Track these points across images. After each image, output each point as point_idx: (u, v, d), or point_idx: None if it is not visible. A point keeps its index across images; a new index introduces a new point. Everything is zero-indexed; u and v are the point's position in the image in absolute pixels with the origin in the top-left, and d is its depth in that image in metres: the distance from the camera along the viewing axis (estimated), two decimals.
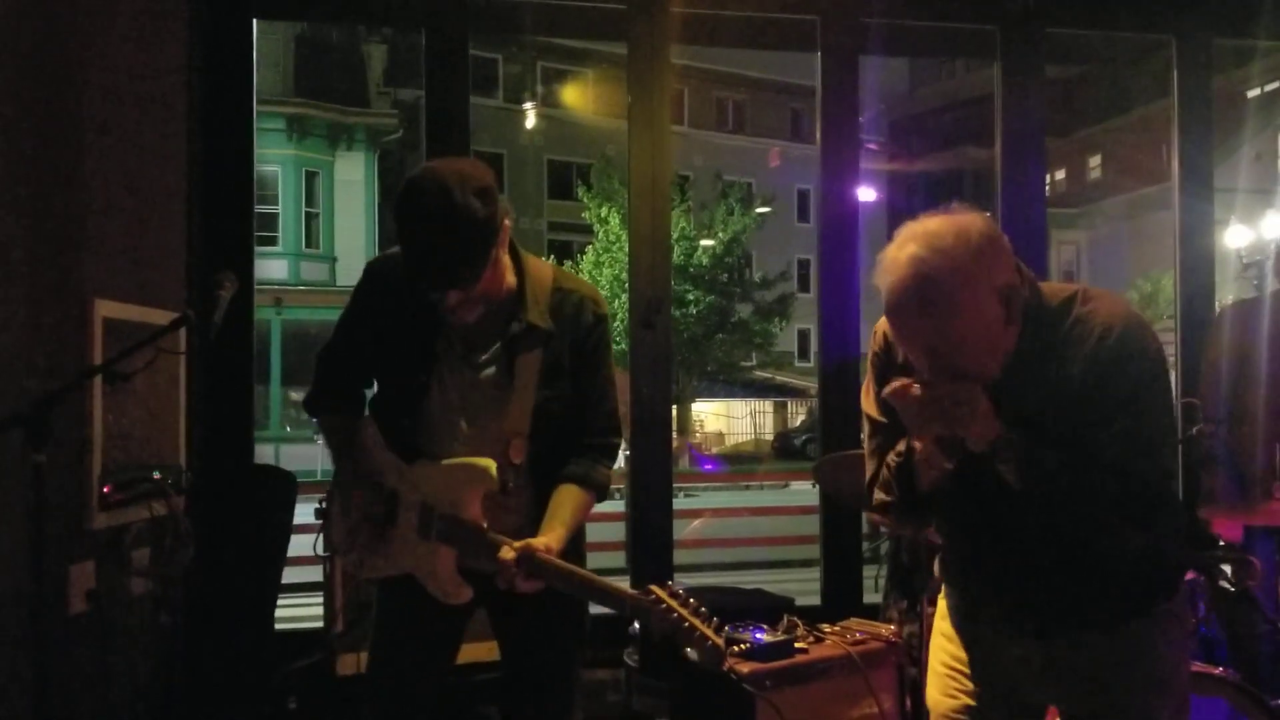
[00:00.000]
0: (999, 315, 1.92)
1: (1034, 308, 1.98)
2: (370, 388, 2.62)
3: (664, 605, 2.18)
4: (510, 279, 2.43)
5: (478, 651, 2.88)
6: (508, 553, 2.28)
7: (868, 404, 2.22)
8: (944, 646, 2.28)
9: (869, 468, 2.22)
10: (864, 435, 2.25)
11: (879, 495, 2.18)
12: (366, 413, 2.58)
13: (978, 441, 1.92)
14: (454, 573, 2.39)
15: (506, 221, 2.34)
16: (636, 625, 3.59)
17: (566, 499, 2.43)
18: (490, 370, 2.44)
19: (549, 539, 2.33)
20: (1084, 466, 1.91)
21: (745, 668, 3.02)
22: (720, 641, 2.15)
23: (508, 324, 2.41)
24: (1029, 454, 1.91)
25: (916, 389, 1.92)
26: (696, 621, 2.16)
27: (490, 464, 2.35)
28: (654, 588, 2.21)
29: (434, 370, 2.43)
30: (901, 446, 2.08)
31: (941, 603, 2.34)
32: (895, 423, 2.08)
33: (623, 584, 2.71)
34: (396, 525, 2.45)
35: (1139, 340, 1.95)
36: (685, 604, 2.18)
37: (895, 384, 1.96)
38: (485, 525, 2.36)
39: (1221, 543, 3.57)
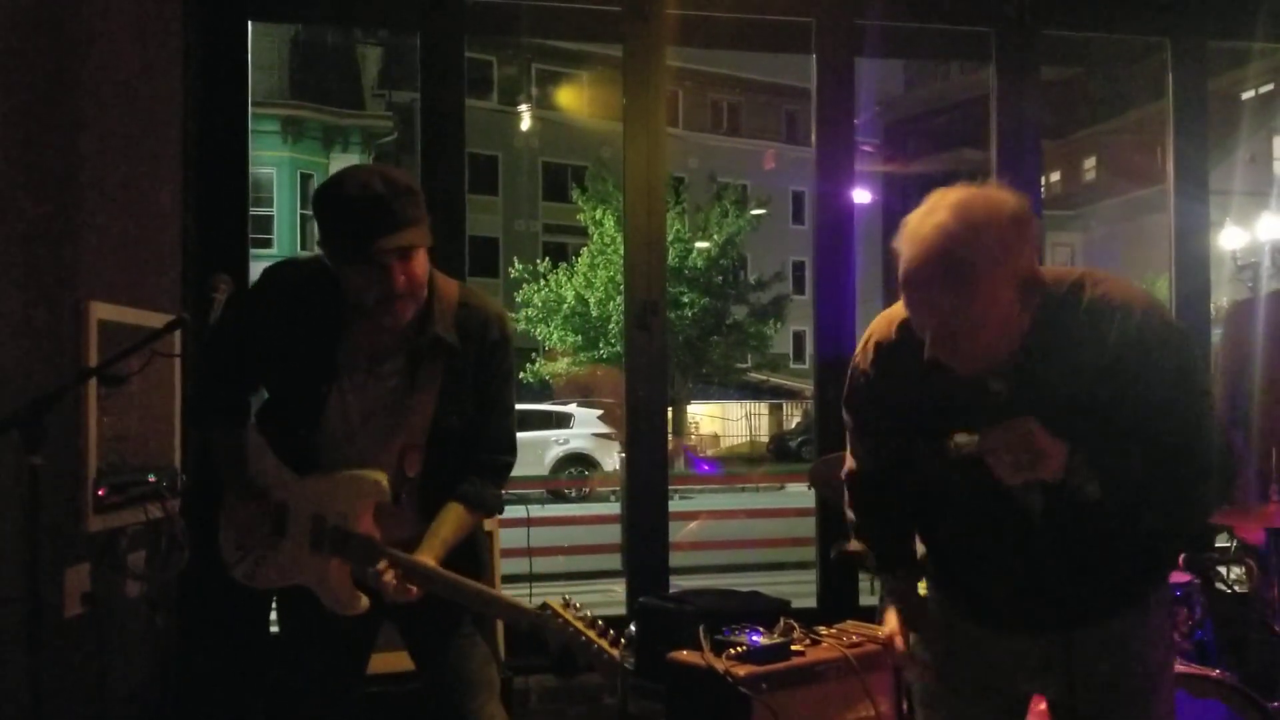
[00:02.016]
0: (1014, 300, 1.88)
1: (1042, 293, 1.95)
2: (254, 396, 2.60)
3: (561, 620, 2.22)
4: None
5: (394, 662, 2.86)
6: (386, 570, 2.32)
7: (848, 414, 2.24)
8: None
9: (849, 463, 2.25)
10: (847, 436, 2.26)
11: (855, 545, 2.22)
12: (251, 422, 2.56)
13: (1055, 473, 1.88)
14: (348, 584, 2.39)
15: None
16: (632, 628, 3.59)
17: (451, 517, 2.45)
18: (392, 382, 2.44)
19: (426, 556, 2.36)
20: (1148, 450, 1.88)
21: (741, 670, 3.01)
22: (615, 654, 2.19)
23: (413, 336, 2.41)
24: (1102, 462, 1.88)
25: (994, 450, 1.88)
26: (592, 635, 2.20)
27: (381, 476, 2.37)
28: (549, 602, 2.26)
29: (335, 380, 2.42)
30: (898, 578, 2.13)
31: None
32: (872, 423, 2.10)
33: (616, 587, 2.72)
34: (287, 537, 2.44)
35: (1164, 316, 1.95)
36: (581, 617, 2.22)
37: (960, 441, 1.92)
38: (378, 537, 2.38)
39: (1238, 545, 3.58)
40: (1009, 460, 1.86)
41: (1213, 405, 1.98)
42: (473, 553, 2.54)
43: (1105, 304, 1.93)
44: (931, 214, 1.88)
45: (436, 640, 2.55)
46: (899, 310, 2.02)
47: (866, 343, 2.17)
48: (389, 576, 2.32)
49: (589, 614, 2.23)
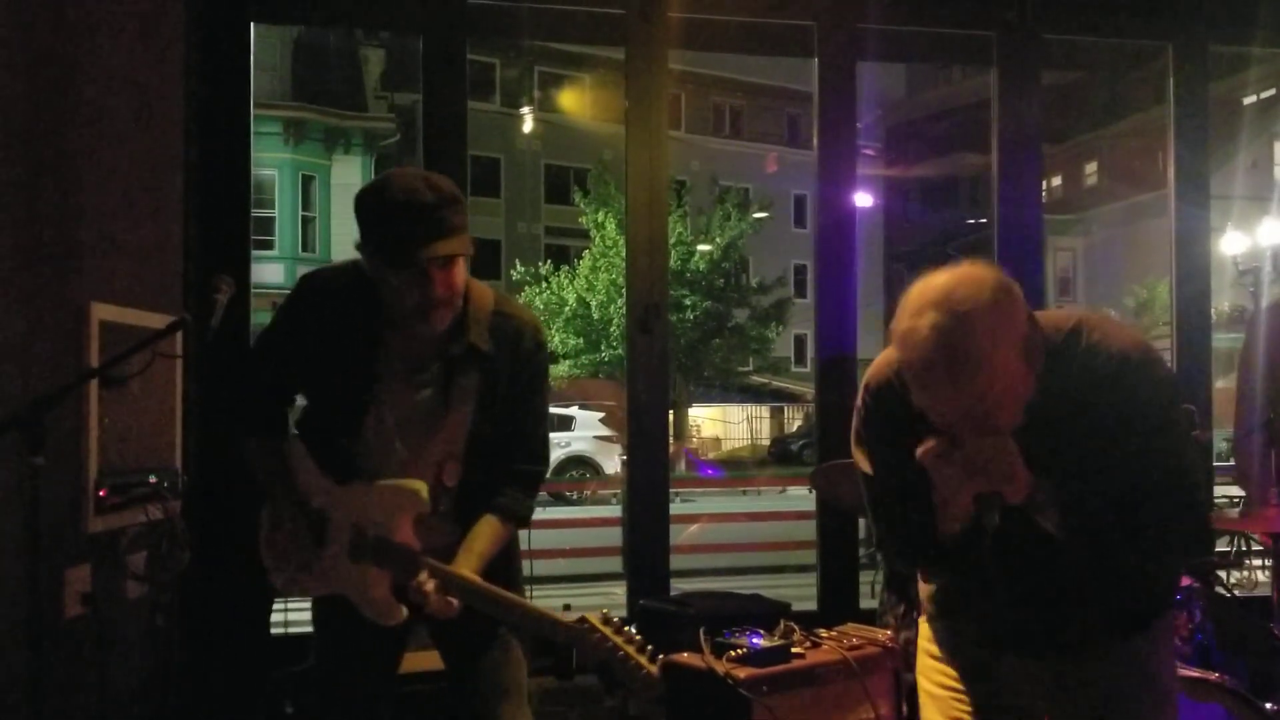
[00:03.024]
0: (1023, 366, 1.88)
1: (1045, 349, 1.95)
2: (292, 406, 2.59)
3: (598, 634, 2.16)
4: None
5: (424, 660, 2.85)
6: (428, 581, 2.30)
7: (861, 459, 2.19)
8: (936, 668, 2.28)
9: (876, 524, 2.20)
10: (865, 493, 2.21)
11: (898, 556, 2.19)
12: (293, 432, 2.56)
13: (1017, 493, 1.90)
14: (387, 594, 2.38)
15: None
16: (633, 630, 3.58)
17: (487, 530, 2.43)
18: (428, 391, 2.43)
19: (464, 570, 2.34)
20: (1121, 499, 1.91)
21: (742, 673, 3.01)
22: (654, 670, 2.13)
23: (448, 345, 2.41)
24: (1066, 499, 1.91)
25: (952, 451, 1.89)
26: (630, 650, 2.14)
27: (422, 486, 2.36)
28: (588, 615, 2.20)
29: (372, 390, 2.41)
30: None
31: (924, 627, 2.33)
32: (891, 474, 2.08)
33: (617, 590, 2.71)
34: (327, 546, 2.44)
35: (1153, 366, 1.97)
36: (619, 632, 2.16)
37: (928, 446, 1.92)
38: (418, 548, 2.36)
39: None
40: (982, 467, 1.89)
41: (1195, 454, 2.01)
42: (506, 561, 2.54)
43: (1099, 351, 1.95)
44: (921, 316, 1.86)
45: (472, 645, 2.53)
46: (892, 354, 2.00)
47: (869, 386, 2.16)
48: (430, 588, 2.30)
49: (629, 630, 2.18)
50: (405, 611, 2.38)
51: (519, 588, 2.61)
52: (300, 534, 2.45)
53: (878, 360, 2.14)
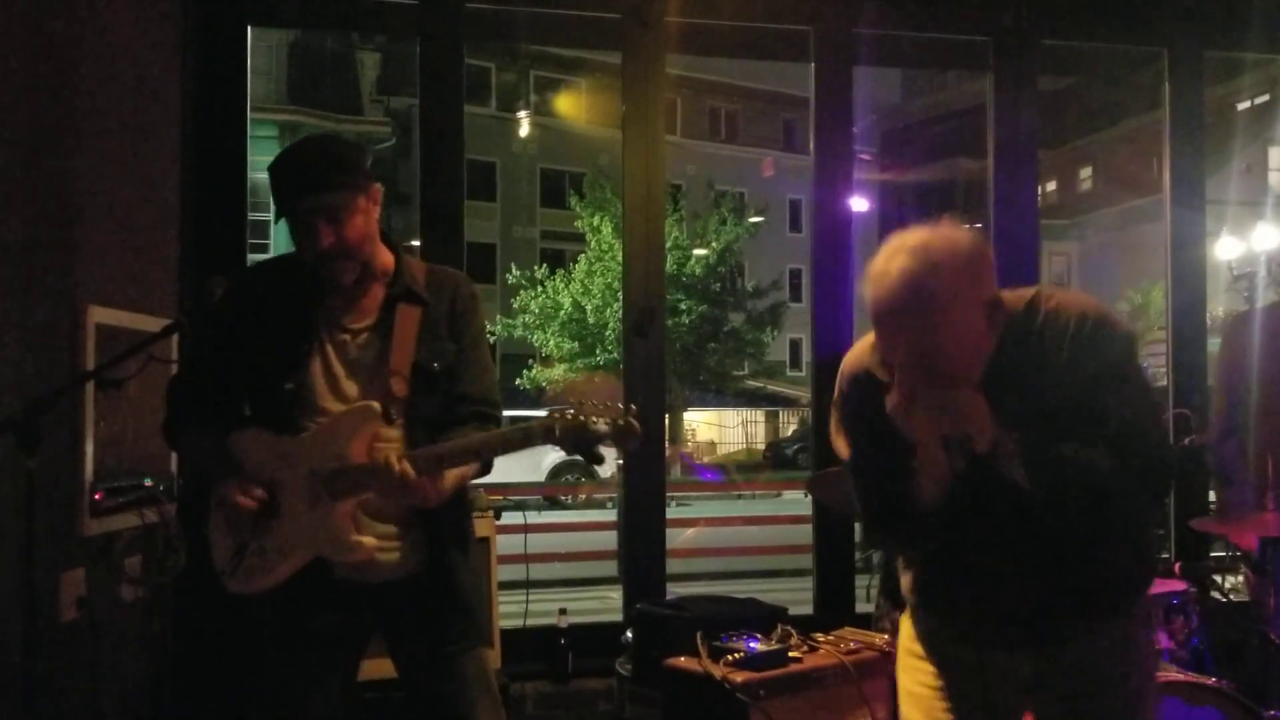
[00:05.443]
0: (984, 326, 1.95)
1: (1005, 315, 2.01)
2: (237, 407, 2.57)
3: (570, 414, 2.24)
4: (388, 258, 2.51)
5: (387, 667, 2.84)
6: (394, 458, 2.30)
7: (840, 445, 2.23)
8: (918, 667, 2.27)
9: (861, 506, 2.22)
10: (850, 476, 2.23)
11: (883, 533, 2.23)
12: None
13: (982, 440, 1.95)
14: (350, 528, 2.37)
15: (378, 186, 2.44)
16: (629, 634, 3.59)
17: (451, 442, 2.42)
18: (369, 333, 2.48)
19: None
20: (1088, 447, 1.94)
21: (739, 677, 3.01)
22: (630, 420, 2.23)
23: (388, 291, 2.49)
24: (1032, 447, 1.94)
25: (917, 394, 1.93)
26: (602, 408, 2.24)
27: (372, 402, 2.39)
28: (551, 411, 2.28)
29: (315, 340, 2.45)
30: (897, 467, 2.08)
31: (905, 626, 2.33)
32: (870, 450, 2.11)
33: (613, 594, 2.70)
34: (281, 515, 2.41)
35: (1113, 322, 2.03)
36: (588, 407, 2.25)
37: (894, 396, 1.97)
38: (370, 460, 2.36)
39: (1239, 553, 3.59)
40: (946, 417, 1.95)
41: (1152, 409, 2.08)
42: (459, 516, 2.56)
43: (1059, 313, 2.02)
44: (892, 259, 1.94)
45: (427, 651, 2.52)
46: (868, 342, 2.11)
47: (844, 375, 2.22)
48: (392, 459, 2.29)
49: (595, 403, 2.26)
50: (370, 541, 2.37)
51: (470, 551, 2.61)
52: (250, 512, 2.41)
53: (855, 347, 2.22)
